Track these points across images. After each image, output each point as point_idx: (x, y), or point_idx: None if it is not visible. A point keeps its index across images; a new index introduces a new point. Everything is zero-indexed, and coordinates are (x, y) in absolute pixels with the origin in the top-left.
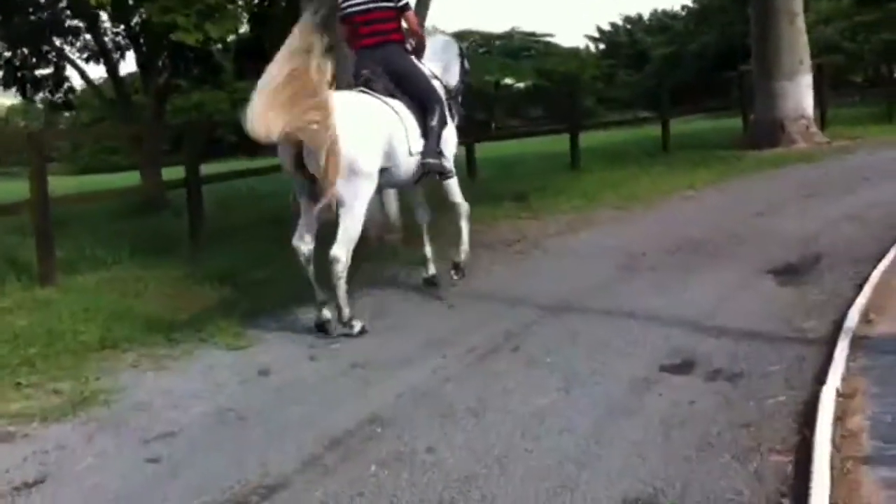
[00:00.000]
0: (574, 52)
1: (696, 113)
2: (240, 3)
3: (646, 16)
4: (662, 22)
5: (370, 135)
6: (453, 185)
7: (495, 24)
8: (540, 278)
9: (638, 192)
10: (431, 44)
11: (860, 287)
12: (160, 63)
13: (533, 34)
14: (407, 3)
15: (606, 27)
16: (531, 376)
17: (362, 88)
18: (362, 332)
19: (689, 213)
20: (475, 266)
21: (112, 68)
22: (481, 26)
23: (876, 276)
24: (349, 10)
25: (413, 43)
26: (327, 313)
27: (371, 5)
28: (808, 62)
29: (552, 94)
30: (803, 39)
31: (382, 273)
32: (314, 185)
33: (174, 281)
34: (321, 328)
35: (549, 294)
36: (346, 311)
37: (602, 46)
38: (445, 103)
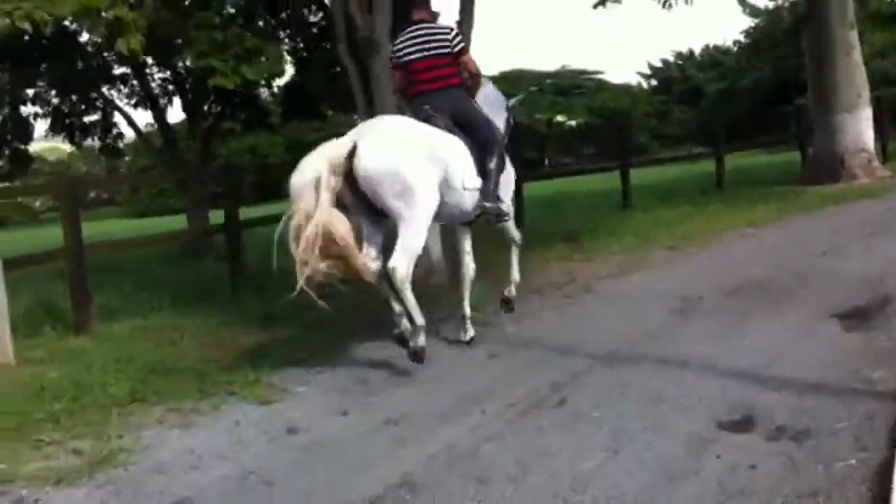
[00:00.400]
0: (626, 89)
1: (752, 149)
2: (284, 47)
3: (697, 51)
4: (714, 57)
5: (427, 157)
6: (509, 226)
7: (546, 62)
8: (590, 324)
9: (692, 232)
10: (483, 92)
11: None
12: (206, 108)
13: (584, 71)
14: (464, 47)
15: (657, 63)
16: (577, 434)
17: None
18: (421, 352)
19: (748, 252)
20: (523, 311)
21: (160, 114)
22: (532, 65)
23: None
24: (406, 58)
25: (469, 83)
26: (407, 323)
27: (429, 52)
28: (866, 95)
29: (603, 131)
30: (861, 72)
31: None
32: (373, 211)
33: (211, 329)
34: (411, 356)
35: (599, 341)
36: (420, 319)
37: (654, 83)
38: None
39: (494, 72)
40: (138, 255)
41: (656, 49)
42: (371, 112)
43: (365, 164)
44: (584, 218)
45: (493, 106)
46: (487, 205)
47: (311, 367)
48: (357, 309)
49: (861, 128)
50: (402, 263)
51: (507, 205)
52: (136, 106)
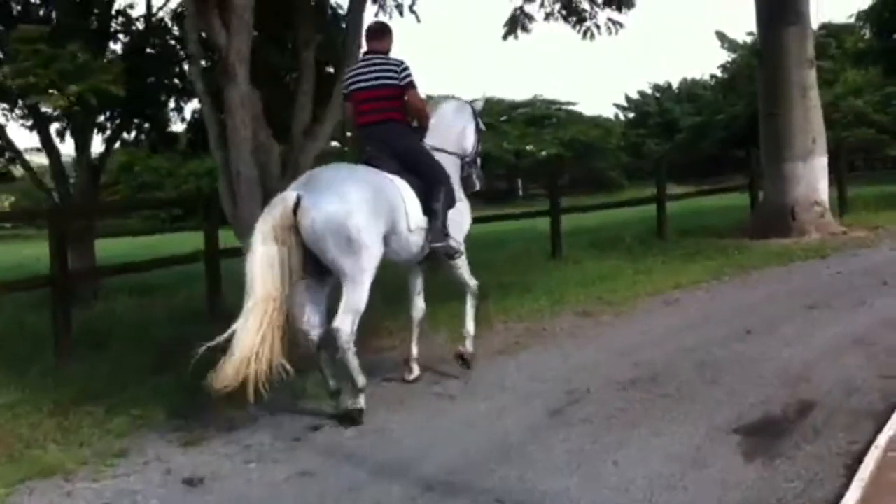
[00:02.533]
0: (597, 121)
1: (699, 196)
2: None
3: (675, 84)
4: (692, 91)
5: (370, 208)
6: (461, 264)
7: (519, 91)
8: (440, 432)
9: (614, 293)
10: (442, 111)
11: (852, 471)
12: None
13: (556, 102)
14: (411, 82)
15: (635, 95)
16: None
17: (366, 164)
18: (356, 415)
19: (664, 326)
20: (369, 405)
21: (46, 139)
22: (505, 93)
23: (875, 455)
24: (353, 87)
25: (416, 122)
26: (348, 401)
27: (374, 82)
28: (822, 141)
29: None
30: (817, 115)
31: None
32: (319, 263)
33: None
34: (346, 420)
35: (438, 461)
36: (361, 379)
37: (631, 115)
38: (456, 179)
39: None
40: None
41: (636, 81)
42: (225, 147)
43: (309, 219)
44: (506, 269)
45: (457, 118)
46: (436, 244)
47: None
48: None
49: (815, 177)
50: (347, 323)
51: (458, 242)
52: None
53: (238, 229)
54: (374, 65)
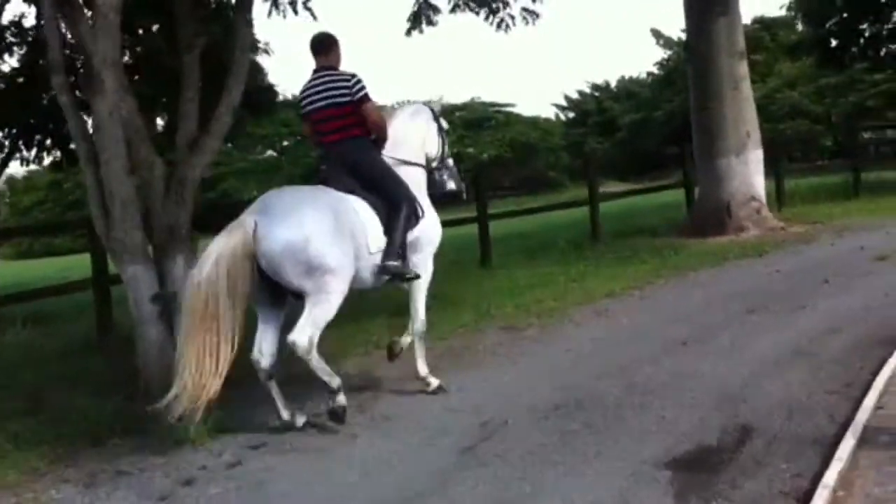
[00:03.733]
0: (536, 121)
1: (633, 195)
2: None
3: (613, 83)
4: (629, 89)
5: (331, 230)
6: (417, 290)
7: (457, 94)
8: (326, 487)
9: (543, 303)
10: (399, 120)
11: None
12: None
13: (494, 104)
14: (364, 95)
15: (574, 95)
16: None
17: (323, 184)
18: (341, 412)
19: (592, 341)
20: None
21: None
22: (441, 96)
23: (824, 496)
24: (308, 108)
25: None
26: (299, 420)
27: (327, 101)
28: (756, 135)
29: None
30: (750, 108)
31: None
32: (274, 290)
33: None
34: (332, 418)
35: None
36: (334, 381)
37: (571, 115)
38: (423, 190)
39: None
40: None
41: (574, 81)
42: (94, 164)
43: (267, 245)
44: (434, 279)
45: (416, 123)
46: (389, 262)
47: None
48: None
49: (750, 172)
50: (304, 336)
51: (425, 262)
52: None
53: (113, 253)
54: (325, 82)
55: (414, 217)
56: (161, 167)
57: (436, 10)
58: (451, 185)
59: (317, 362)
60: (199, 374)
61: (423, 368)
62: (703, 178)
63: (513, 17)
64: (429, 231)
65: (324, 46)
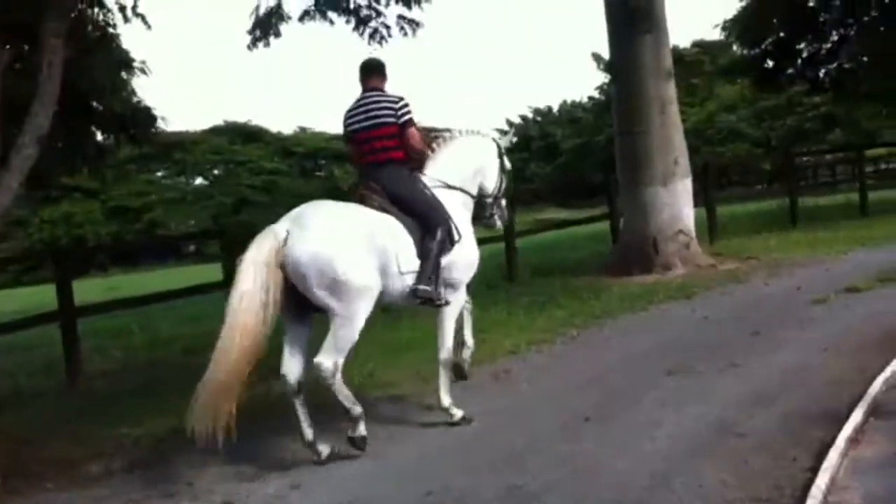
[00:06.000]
0: None
1: (547, 230)
2: None
3: (555, 107)
4: (571, 113)
5: (363, 245)
6: (446, 318)
7: None
8: None
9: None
10: (459, 146)
11: None
12: None
13: (433, 129)
14: (409, 119)
15: (517, 120)
16: None
17: (360, 202)
18: (362, 441)
19: (482, 416)
20: None
21: None
22: None
23: None
24: (351, 127)
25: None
26: (323, 449)
27: (372, 122)
28: (685, 162)
29: None
30: (678, 133)
31: None
32: (301, 305)
33: None
34: (352, 446)
35: None
36: (356, 410)
37: (514, 139)
38: (464, 218)
39: (338, 130)
40: None
41: (517, 106)
42: None
43: (295, 255)
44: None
45: (476, 156)
46: (421, 286)
47: None
48: None
49: (678, 203)
50: (329, 360)
51: (456, 287)
52: None
53: None
54: (372, 103)
55: (449, 242)
56: None
57: (284, 18)
58: (498, 224)
59: (339, 387)
60: (226, 384)
61: (446, 399)
62: (628, 210)
63: (388, 28)
64: (465, 258)
65: (376, 70)
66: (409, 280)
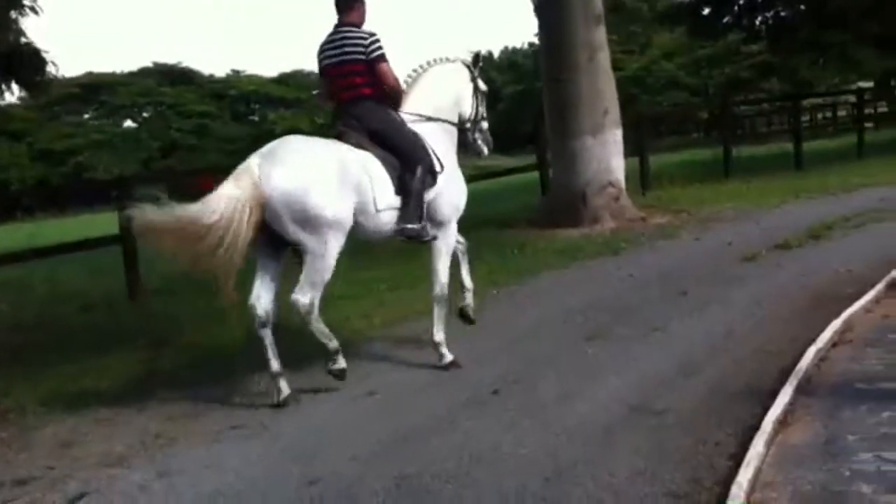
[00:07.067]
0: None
1: (475, 181)
2: None
3: (496, 53)
4: (511, 59)
5: (333, 182)
6: (437, 254)
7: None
8: None
9: (348, 323)
10: (434, 73)
11: None
12: None
13: None
14: (380, 55)
15: None
16: None
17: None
18: (341, 373)
19: (384, 387)
20: None
21: None
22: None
23: None
24: (324, 62)
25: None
26: (284, 385)
27: (342, 57)
28: (616, 112)
29: None
30: (609, 81)
31: None
32: (274, 241)
33: None
34: (332, 376)
35: None
36: (332, 344)
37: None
38: (449, 149)
39: (274, 73)
40: None
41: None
42: None
43: (268, 191)
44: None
45: (451, 83)
46: (407, 226)
47: None
48: None
49: (608, 154)
50: (306, 297)
51: (447, 222)
52: None
53: None
54: (342, 38)
55: (430, 177)
56: None
57: None
58: (484, 150)
59: (316, 323)
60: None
61: (439, 335)
62: (557, 161)
63: None
64: (451, 192)
65: (347, 3)
66: (387, 217)
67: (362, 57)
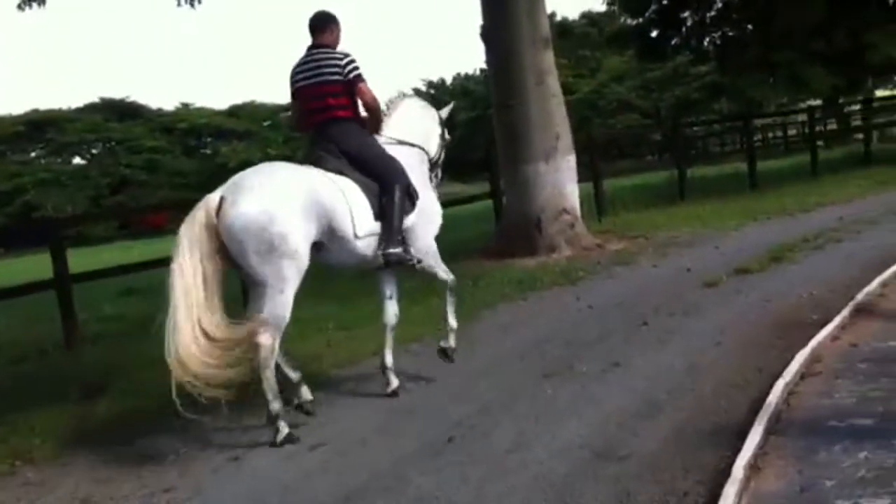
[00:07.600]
0: None
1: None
2: None
3: (449, 80)
4: (464, 86)
5: (303, 209)
6: (431, 267)
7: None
8: None
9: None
10: (409, 106)
11: None
12: None
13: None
14: (358, 76)
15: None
16: None
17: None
18: (287, 439)
19: (333, 438)
20: None
21: None
22: (267, 97)
23: None
24: (299, 83)
25: (368, 117)
26: (306, 394)
27: (317, 79)
28: (568, 137)
29: None
30: (559, 105)
31: None
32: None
33: None
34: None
35: None
36: (275, 406)
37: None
38: (422, 173)
39: (224, 105)
40: None
41: (409, 79)
42: None
43: (227, 220)
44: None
45: (421, 121)
46: (390, 251)
47: None
48: None
49: (561, 180)
50: (267, 337)
51: (428, 246)
52: None
53: None
54: (316, 59)
55: (409, 201)
56: None
57: None
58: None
59: (270, 375)
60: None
61: (453, 322)
62: (510, 188)
63: None
64: (428, 213)
65: (321, 24)
66: (367, 243)
67: (339, 77)
